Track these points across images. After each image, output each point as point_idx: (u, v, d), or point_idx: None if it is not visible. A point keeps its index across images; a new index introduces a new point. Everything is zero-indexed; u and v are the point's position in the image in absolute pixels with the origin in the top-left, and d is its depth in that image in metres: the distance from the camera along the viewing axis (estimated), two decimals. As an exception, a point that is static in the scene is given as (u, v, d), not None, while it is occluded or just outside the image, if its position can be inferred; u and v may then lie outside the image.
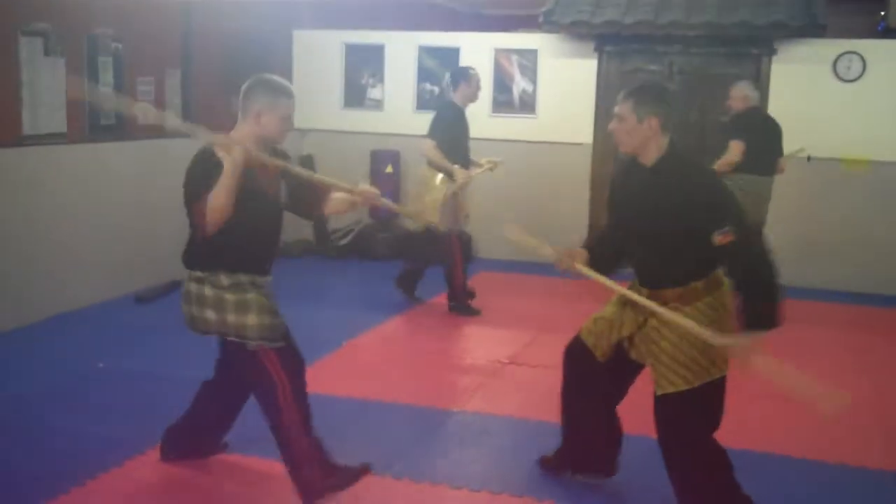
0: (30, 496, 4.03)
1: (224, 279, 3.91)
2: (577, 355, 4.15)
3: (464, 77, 7.30)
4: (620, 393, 4.17)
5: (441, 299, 7.60)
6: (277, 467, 4.10)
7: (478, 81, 7.35)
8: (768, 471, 4.62)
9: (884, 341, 7.17)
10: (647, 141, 3.76)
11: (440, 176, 7.18)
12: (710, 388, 3.74)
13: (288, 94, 3.96)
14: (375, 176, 9.61)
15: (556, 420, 4.47)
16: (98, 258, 7.31)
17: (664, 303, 3.75)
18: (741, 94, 7.61)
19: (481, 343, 6.93)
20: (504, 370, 6.04)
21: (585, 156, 9.32)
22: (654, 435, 3.89)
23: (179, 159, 8.12)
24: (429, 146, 7.15)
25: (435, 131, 7.19)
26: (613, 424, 4.22)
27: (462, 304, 7.42)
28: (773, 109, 8.70)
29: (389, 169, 9.60)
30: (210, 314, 3.94)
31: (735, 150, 7.37)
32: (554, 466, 4.42)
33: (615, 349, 4.01)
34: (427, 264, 7.57)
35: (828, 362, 6.44)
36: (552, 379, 5.71)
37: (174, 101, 8.62)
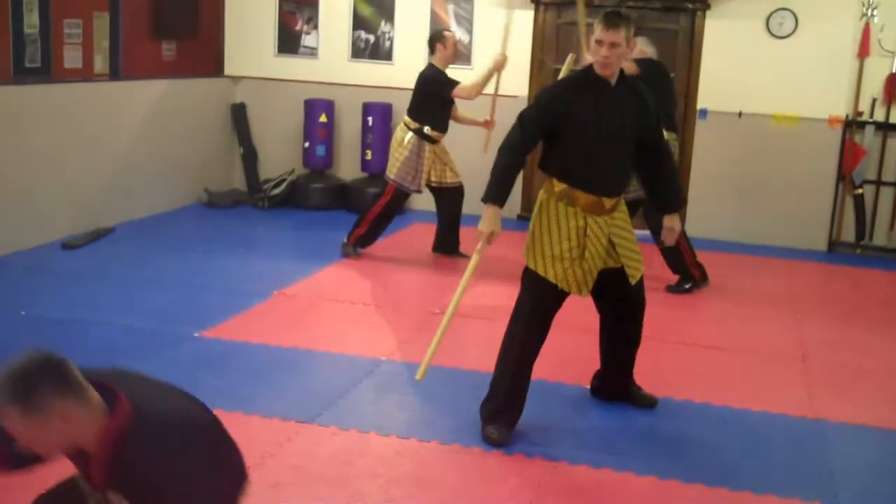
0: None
1: None
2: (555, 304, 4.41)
3: (439, 39, 7.37)
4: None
5: (374, 249, 7.59)
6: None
7: (454, 42, 7.41)
8: (684, 418, 4.72)
9: (808, 293, 7.33)
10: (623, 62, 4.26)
11: (409, 135, 7.28)
12: None
13: None
14: (309, 125, 9.50)
15: (486, 369, 4.51)
16: (23, 203, 7.14)
17: (619, 205, 4.40)
18: (638, 49, 6.86)
19: (413, 293, 6.94)
20: (435, 320, 6.02)
21: (520, 108, 9.27)
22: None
23: (106, 103, 8.03)
24: (464, 90, 7.21)
25: (450, 81, 7.24)
26: None
27: (352, 247, 7.50)
28: (706, 65, 8.79)
29: (323, 118, 9.49)
30: None
31: None
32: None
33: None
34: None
35: (754, 311, 6.59)
36: (483, 329, 5.77)
37: (102, 45, 8.42)
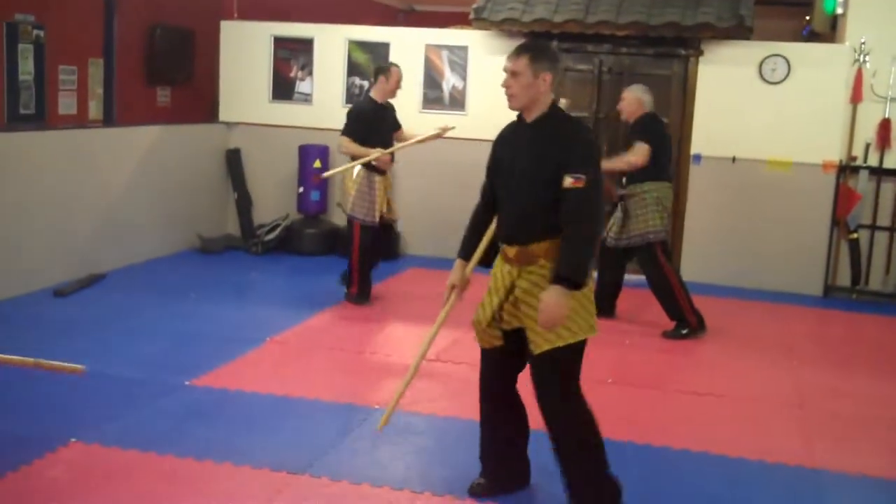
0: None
1: None
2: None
3: (382, 72, 7.45)
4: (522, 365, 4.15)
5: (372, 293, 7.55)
6: (186, 465, 4.00)
7: (398, 77, 7.44)
8: (681, 467, 4.66)
9: (804, 338, 7.29)
10: (538, 97, 3.89)
11: (358, 168, 7.31)
12: (573, 349, 3.88)
13: None
14: (303, 171, 9.50)
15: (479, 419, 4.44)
16: (14, 250, 7.11)
17: (533, 259, 3.85)
18: (634, 96, 7.05)
19: (407, 339, 6.89)
20: (429, 367, 5.98)
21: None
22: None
23: (100, 150, 8.02)
24: (342, 141, 7.34)
25: (346, 128, 7.34)
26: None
27: (357, 295, 7.45)
28: (700, 110, 8.82)
29: (318, 163, 9.49)
30: None
31: (640, 152, 6.83)
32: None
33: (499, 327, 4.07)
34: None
35: (750, 357, 6.55)
36: (476, 377, 5.71)
37: (96, 91, 8.44)
